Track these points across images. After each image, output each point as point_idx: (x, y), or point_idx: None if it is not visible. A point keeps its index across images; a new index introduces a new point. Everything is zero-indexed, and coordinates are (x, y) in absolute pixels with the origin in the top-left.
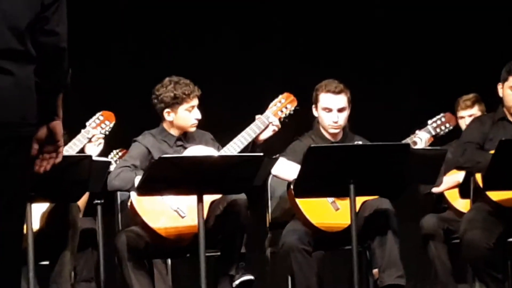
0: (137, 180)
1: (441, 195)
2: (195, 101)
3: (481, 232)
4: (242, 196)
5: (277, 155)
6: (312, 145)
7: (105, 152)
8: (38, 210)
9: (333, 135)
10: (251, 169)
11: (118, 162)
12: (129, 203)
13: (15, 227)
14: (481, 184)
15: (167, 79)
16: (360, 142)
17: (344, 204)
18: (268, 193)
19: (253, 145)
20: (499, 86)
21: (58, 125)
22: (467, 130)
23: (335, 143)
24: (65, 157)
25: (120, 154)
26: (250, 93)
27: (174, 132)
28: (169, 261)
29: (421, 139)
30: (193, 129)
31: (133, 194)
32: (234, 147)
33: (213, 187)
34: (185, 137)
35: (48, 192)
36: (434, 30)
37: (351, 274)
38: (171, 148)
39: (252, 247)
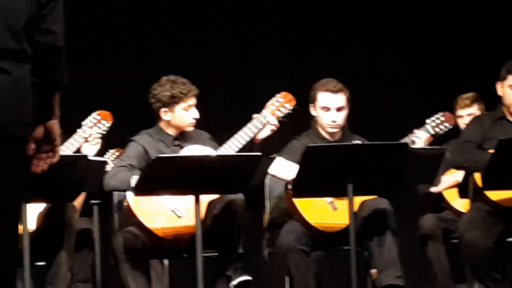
0: (134, 180)
1: (439, 194)
2: (193, 100)
3: (480, 232)
4: (240, 196)
5: (275, 155)
6: (310, 145)
7: (101, 152)
8: (34, 210)
9: (331, 134)
10: (248, 168)
11: (114, 162)
12: (125, 203)
13: (11, 227)
14: (480, 184)
15: (164, 78)
16: (359, 142)
17: (342, 204)
18: (266, 193)
19: (251, 144)
20: (498, 85)
21: (55, 125)
22: (466, 130)
23: (333, 143)
24: (61, 156)
25: (116, 153)
26: (248, 92)
27: (171, 131)
28: (166, 261)
29: (419, 139)
30: (191, 128)
31: (129, 194)
32: (231, 147)
33: (210, 187)
34: (182, 137)
35: (44, 192)
36: (433, 29)
37: (349, 275)
38: (168, 148)
39: (250, 248)
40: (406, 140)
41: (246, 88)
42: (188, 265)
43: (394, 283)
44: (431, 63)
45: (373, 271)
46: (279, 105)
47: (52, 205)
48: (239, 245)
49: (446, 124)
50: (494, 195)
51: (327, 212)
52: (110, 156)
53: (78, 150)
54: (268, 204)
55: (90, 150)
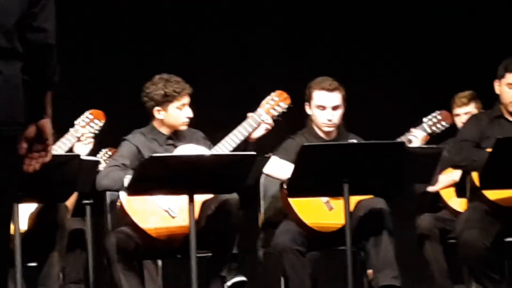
0: (127, 179)
1: (437, 194)
2: (186, 99)
3: (478, 231)
4: (234, 195)
5: (270, 154)
6: (306, 144)
7: (94, 151)
8: (25, 211)
9: (327, 133)
10: (243, 168)
11: (107, 161)
12: (118, 203)
13: (2, 227)
14: (477, 183)
15: (157, 76)
16: (355, 141)
17: (338, 203)
18: (261, 193)
19: (246, 143)
20: (496, 83)
21: (47, 124)
22: (464, 128)
23: (329, 142)
24: (53, 156)
25: (109, 153)
26: (243, 90)
27: (165, 130)
28: (159, 262)
29: (416, 137)
30: (184, 127)
31: (122, 194)
32: (226, 146)
33: (204, 187)
34: (175, 136)
35: (36, 192)
36: (430, 27)
37: (345, 275)
38: (161, 147)
39: (245, 248)
40: (402, 139)
41: (246, 88)
42: (182, 265)
43: (390, 283)
44: (428, 61)
45: (370, 271)
46: (274, 103)
47: (44, 205)
48: (233, 246)
49: (443, 123)
50: (492, 194)
51: (322, 212)
52: (103, 155)
53: (70, 150)
54: (263, 204)
55: (83, 150)
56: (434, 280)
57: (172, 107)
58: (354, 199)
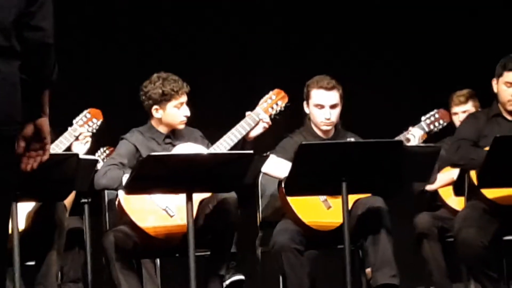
0: (125, 178)
1: (435, 193)
2: (184, 98)
3: (476, 230)
4: (232, 194)
5: (268, 153)
6: (304, 142)
7: (92, 150)
8: (23, 210)
9: (325, 132)
10: (241, 167)
11: (105, 160)
12: (116, 202)
13: (1, 227)
14: (475, 182)
15: (155, 75)
16: (352, 139)
17: (336, 202)
18: (259, 192)
19: (243, 142)
20: (494, 82)
21: (44, 122)
22: (462, 127)
23: (326, 140)
24: (51, 155)
25: (107, 152)
26: (243, 90)
27: (163, 129)
28: (158, 261)
29: (414, 136)
30: (182, 126)
31: (121, 193)
32: (224, 145)
33: (202, 186)
34: (173, 135)
35: (34, 191)
36: (428, 25)
37: (343, 274)
38: (159, 146)
39: (243, 247)
40: (400, 137)
41: (246, 88)
42: (180, 264)
43: (389, 282)
44: (426, 59)
45: (368, 270)
46: (272, 102)
47: (42, 204)
48: (231, 244)
49: (441, 121)
50: (490, 193)
51: (321, 211)
52: (101, 154)
53: (68, 149)
54: (261, 203)
55: (81, 149)
56: (433, 279)
57: (170, 106)
58: (352, 198)
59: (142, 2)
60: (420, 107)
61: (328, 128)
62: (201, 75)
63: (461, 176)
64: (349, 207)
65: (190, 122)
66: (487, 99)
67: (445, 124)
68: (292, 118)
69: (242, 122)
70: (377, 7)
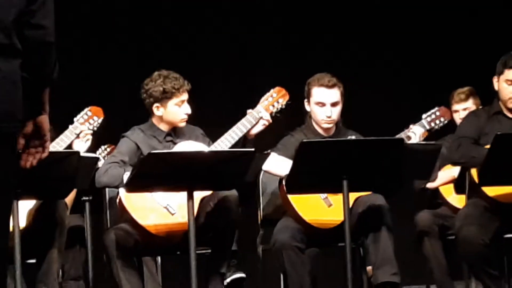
0: (126, 176)
1: (435, 190)
2: (185, 96)
3: (477, 228)
4: (233, 192)
5: (269, 151)
6: (305, 140)
7: (93, 148)
8: (24, 208)
9: (326, 130)
10: (242, 165)
11: (106, 158)
12: (117, 200)
13: (2, 224)
14: (476, 180)
15: (156, 73)
16: (353, 137)
17: (337, 200)
18: (260, 189)
19: (244, 140)
20: (495, 80)
21: (44, 120)
22: (462, 125)
23: (327, 138)
24: (52, 153)
25: (108, 150)
26: (243, 90)
27: (164, 127)
28: (159, 259)
29: (415, 134)
30: (183, 124)
31: (122, 191)
32: (225, 143)
33: (203, 183)
34: (174, 132)
35: (35, 189)
36: (428, 23)
37: (344, 272)
38: (160, 144)
39: (244, 245)
40: (401, 135)
41: (246, 88)
42: (181, 262)
43: (389, 280)
44: (427, 57)
45: (369, 268)
46: (273, 100)
47: (43, 202)
48: (232, 242)
49: (442, 119)
50: (491, 190)
51: (321, 209)
52: (102, 152)
53: (69, 146)
54: (262, 201)
55: (81, 146)
56: (433, 277)
57: (171, 103)
58: (353, 196)
59: (142, 2)
60: (421, 105)
61: (329, 126)
62: (201, 75)
63: (462, 174)
64: (350, 205)
65: (191, 121)
66: (487, 97)
67: (446, 122)
68: (292, 116)
69: (243, 120)
70: (377, 7)
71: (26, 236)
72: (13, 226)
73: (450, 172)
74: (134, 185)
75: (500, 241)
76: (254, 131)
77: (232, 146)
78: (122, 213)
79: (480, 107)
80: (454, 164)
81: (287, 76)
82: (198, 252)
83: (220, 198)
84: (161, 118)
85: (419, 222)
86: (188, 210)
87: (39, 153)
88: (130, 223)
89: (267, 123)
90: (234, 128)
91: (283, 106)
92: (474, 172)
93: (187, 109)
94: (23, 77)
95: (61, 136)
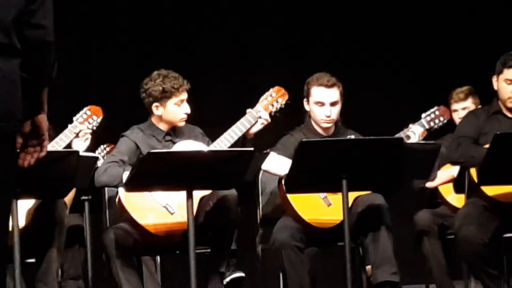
0: (125, 175)
1: (435, 190)
2: (184, 95)
3: (476, 227)
4: (232, 191)
5: (268, 150)
6: (304, 140)
7: (92, 148)
8: (24, 207)
9: (325, 129)
10: (241, 164)
11: (105, 157)
12: (117, 199)
13: (1, 224)
14: (476, 179)
15: (155, 72)
16: (353, 137)
17: (336, 199)
18: (259, 189)
19: (244, 139)
20: (494, 79)
21: (43, 119)
22: (462, 124)
23: (327, 138)
24: (51, 152)
25: (107, 149)
26: (242, 87)
27: (163, 126)
28: (158, 258)
29: (414, 133)
30: (182, 123)
31: (121, 190)
32: (224, 142)
33: (202, 183)
34: (174, 132)
35: (34, 188)
36: (428, 23)
37: (344, 271)
38: (159, 143)
39: (243, 244)
40: (401, 134)
41: (246, 88)
42: (180, 261)
43: (389, 279)
44: (426, 57)
45: (369, 267)
46: (272, 99)
47: (42, 201)
48: (232, 242)
49: (441, 118)
50: (490, 190)
51: (321, 208)
52: (101, 151)
53: (68, 146)
54: (261, 200)
55: (81, 146)
56: (433, 276)
57: (171, 103)
58: (352, 195)
59: (142, 2)
60: (420, 105)
61: (329, 125)
62: (201, 75)
63: (461, 174)
64: (349, 205)
65: (190, 121)
66: (487, 96)
67: (445, 121)
68: (292, 116)
69: (242, 120)
70: (377, 7)
71: (25, 235)
72: (13, 226)
73: (449, 171)
74: (133, 185)
75: (499, 240)
76: (253, 130)
77: (232, 146)
78: (121, 213)
79: (479, 106)
80: (454, 163)
81: (287, 76)
82: (197, 251)
83: (219, 197)
84: (160, 117)
85: (418, 222)
86: (188, 210)
87: (37, 152)
88: (129, 222)
89: (265, 122)
90: (234, 127)
91: (283, 106)
92: (473, 171)
93: (186, 108)
94: (22, 77)
95: (61, 136)
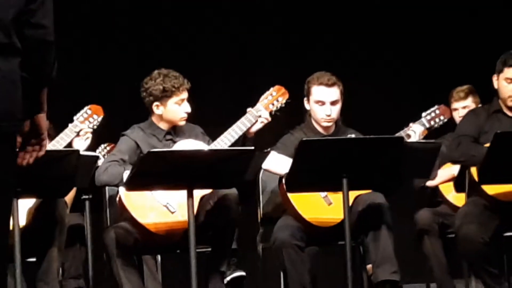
0: (126, 175)
1: (435, 189)
2: (185, 94)
3: (477, 226)
4: (233, 191)
5: (268, 149)
6: (304, 139)
7: (92, 147)
8: (24, 206)
9: (325, 128)
10: (242, 163)
11: (106, 156)
12: (117, 199)
13: (1, 223)
14: (476, 178)
15: (156, 71)
16: (353, 135)
17: (336, 198)
18: (259, 188)
19: (244, 138)
20: (494, 78)
21: (42, 119)
22: (462, 123)
23: (327, 137)
24: (52, 151)
25: (108, 148)
26: (242, 87)
27: (163, 125)
28: (159, 257)
29: (415, 132)
30: (183, 122)
31: (121, 189)
32: (224, 141)
33: (203, 182)
34: (174, 131)
35: (35, 187)
36: (428, 23)
37: (344, 270)
38: (160, 142)
39: (244, 243)
40: (401, 133)
41: (246, 88)
42: (181, 261)
43: (389, 278)
44: (426, 55)
45: (369, 266)
46: (273, 98)
47: (43, 201)
48: (232, 241)
49: (442, 117)
50: (491, 189)
51: (321, 207)
52: (102, 150)
53: (69, 145)
54: (262, 199)
55: (81, 145)
56: (433, 275)
57: (171, 102)
58: (353, 194)
59: (142, 2)
60: (420, 104)
61: (329, 124)
62: (201, 75)
63: (461, 172)
64: (350, 204)
65: (191, 120)
66: (487, 95)
67: (445, 120)
68: (292, 115)
69: (242, 119)
70: (377, 7)
71: (26, 234)
72: (13, 225)
73: (450, 170)
74: (134, 184)
75: (500, 239)
76: (254, 129)
77: (232, 145)
78: (122, 212)
79: (480, 105)
80: (454, 162)
81: (287, 76)
82: (198, 250)
83: (220, 196)
84: (161, 116)
85: (419, 221)
86: (188, 209)
87: (36, 151)
88: (130, 221)
89: (266, 121)
90: (234, 126)
91: (283, 105)
92: (474, 170)
93: (187, 107)
94: (22, 77)
95: (61, 135)
